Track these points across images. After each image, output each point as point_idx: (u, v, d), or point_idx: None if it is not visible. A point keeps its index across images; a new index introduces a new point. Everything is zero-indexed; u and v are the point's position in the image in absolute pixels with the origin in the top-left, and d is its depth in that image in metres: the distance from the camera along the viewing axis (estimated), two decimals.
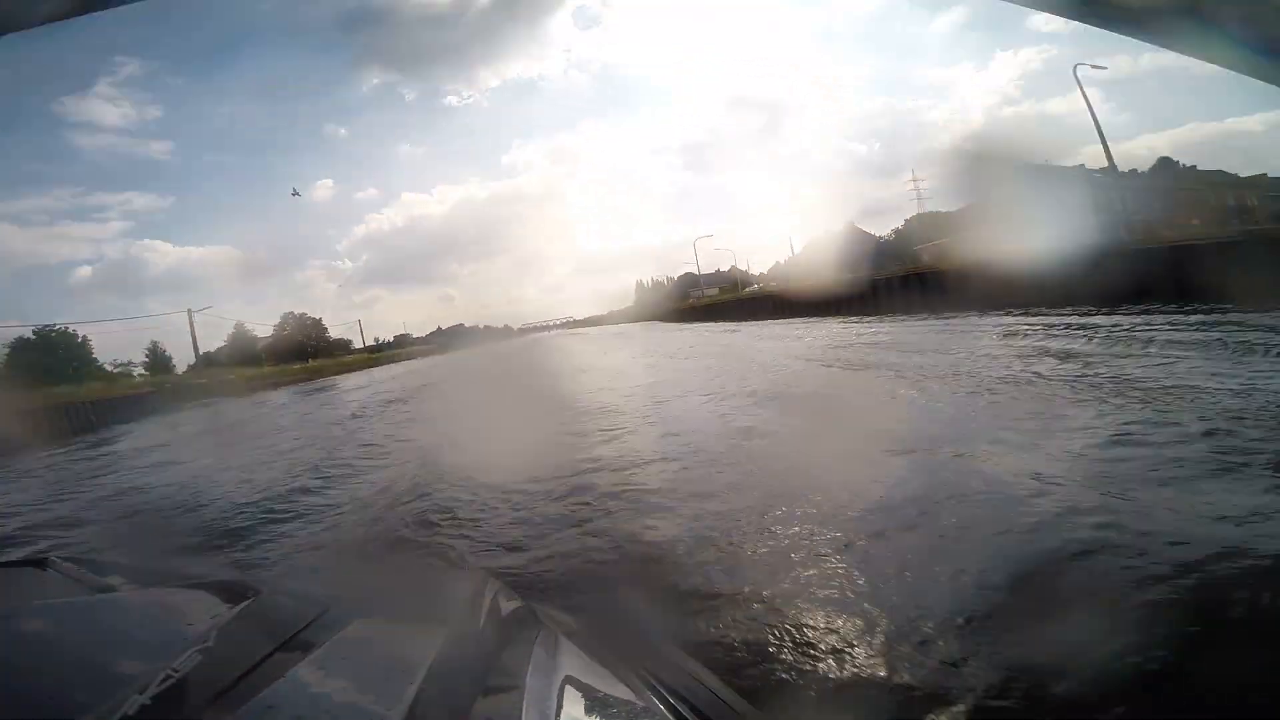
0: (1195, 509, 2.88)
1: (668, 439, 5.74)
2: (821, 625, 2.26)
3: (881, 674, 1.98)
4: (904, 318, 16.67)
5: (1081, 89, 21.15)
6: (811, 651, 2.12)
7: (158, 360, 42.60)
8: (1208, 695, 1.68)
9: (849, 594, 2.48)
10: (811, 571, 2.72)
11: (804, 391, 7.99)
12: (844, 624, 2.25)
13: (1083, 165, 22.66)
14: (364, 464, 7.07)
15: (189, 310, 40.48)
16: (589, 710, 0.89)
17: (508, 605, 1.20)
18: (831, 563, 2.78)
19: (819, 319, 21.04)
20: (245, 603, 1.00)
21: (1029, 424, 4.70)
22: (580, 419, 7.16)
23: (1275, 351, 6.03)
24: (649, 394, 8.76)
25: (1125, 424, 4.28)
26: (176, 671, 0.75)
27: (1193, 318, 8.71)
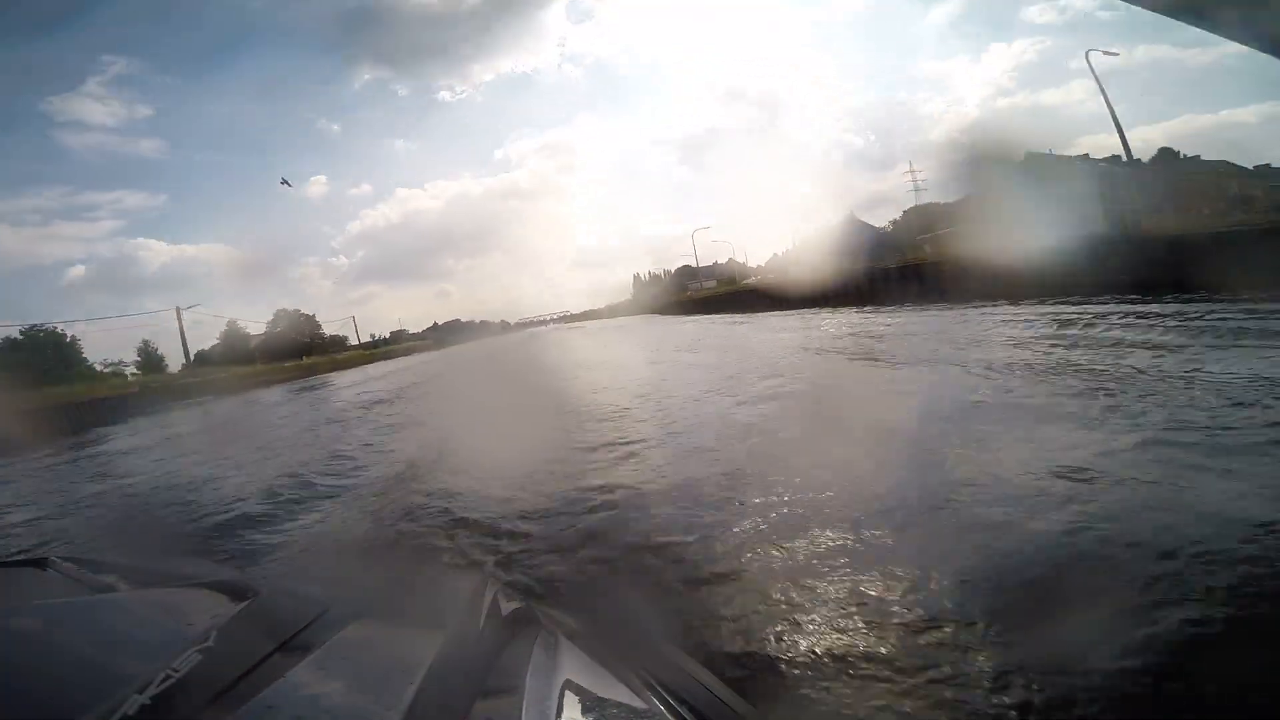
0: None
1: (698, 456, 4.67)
2: None
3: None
4: (920, 308, 16.20)
5: (1095, 75, 21.14)
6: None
7: (149, 359, 42.45)
8: None
9: None
10: None
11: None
12: None
13: (1087, 155, 22.70)
14: (327, 483, 6.01)
15: (177, 308, 40.21)
16: (589, 711, 0.89)
17: (508, 605, 1.21)
18: None
19: (831, 310, 20.69)
20: (245, 603, 1.00)
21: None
22: (585, 428, 6.33)
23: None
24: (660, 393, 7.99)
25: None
26: (176, 671, 0.75)
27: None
